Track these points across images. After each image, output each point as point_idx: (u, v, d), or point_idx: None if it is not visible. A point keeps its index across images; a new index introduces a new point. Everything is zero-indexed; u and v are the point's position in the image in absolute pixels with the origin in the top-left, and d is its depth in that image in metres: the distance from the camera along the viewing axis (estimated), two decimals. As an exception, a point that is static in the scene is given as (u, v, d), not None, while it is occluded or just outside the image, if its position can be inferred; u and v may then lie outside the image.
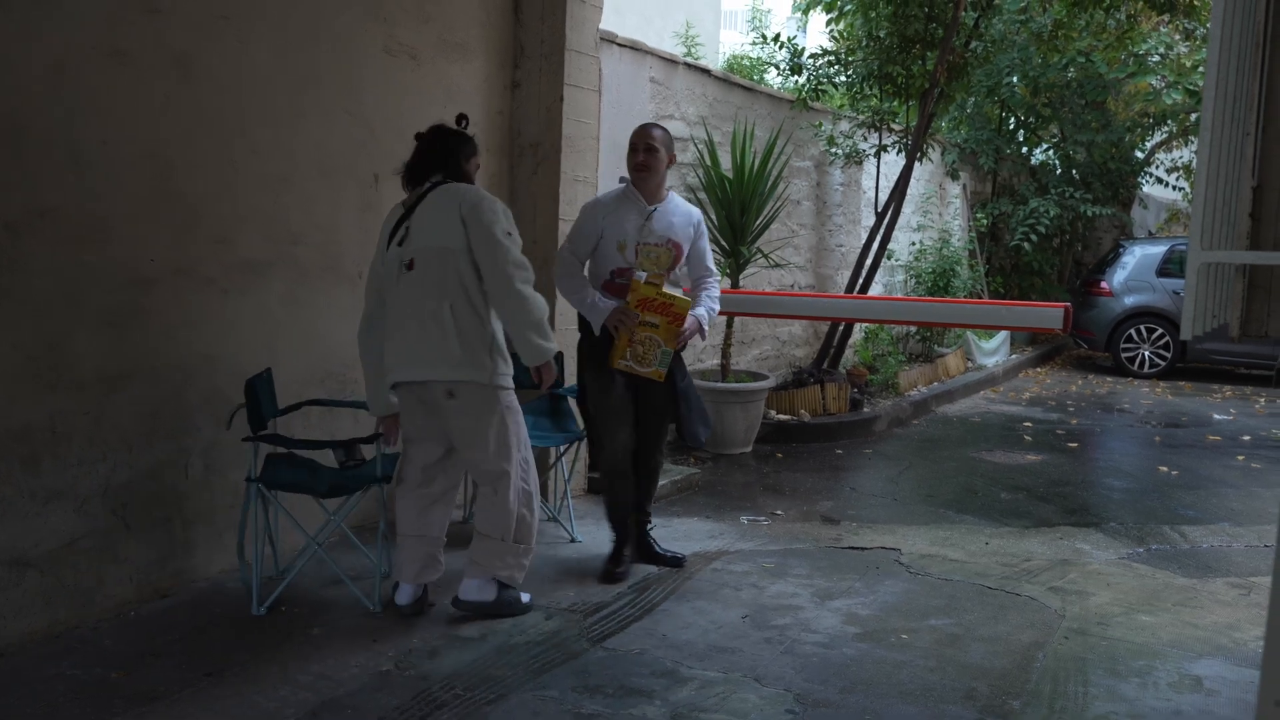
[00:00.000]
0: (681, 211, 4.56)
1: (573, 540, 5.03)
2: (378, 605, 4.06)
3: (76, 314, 3.77)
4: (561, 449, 5.22)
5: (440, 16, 5.19)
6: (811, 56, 9.48)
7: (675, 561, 4.70)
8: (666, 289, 4.39)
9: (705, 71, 8.22)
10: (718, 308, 4.70)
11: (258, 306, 4.43)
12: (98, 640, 3.71)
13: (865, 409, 8.46)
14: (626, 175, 4.54)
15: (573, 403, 5.32)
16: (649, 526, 4.80)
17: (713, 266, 4.70)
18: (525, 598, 4.13)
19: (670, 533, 5.17)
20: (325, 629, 3.87)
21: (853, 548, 5.11)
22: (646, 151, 4.42)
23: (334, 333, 4.78)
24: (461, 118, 4.16)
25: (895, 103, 9.43)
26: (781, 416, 7.92)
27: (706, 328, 4.62)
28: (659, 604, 4.25)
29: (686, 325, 4.41)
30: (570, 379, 5.55)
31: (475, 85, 5.45)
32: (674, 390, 4.53)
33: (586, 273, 4.53)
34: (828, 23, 9.77)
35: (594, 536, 5.05)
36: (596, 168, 5.90)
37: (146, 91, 3.93)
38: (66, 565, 3.79)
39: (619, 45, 6.92)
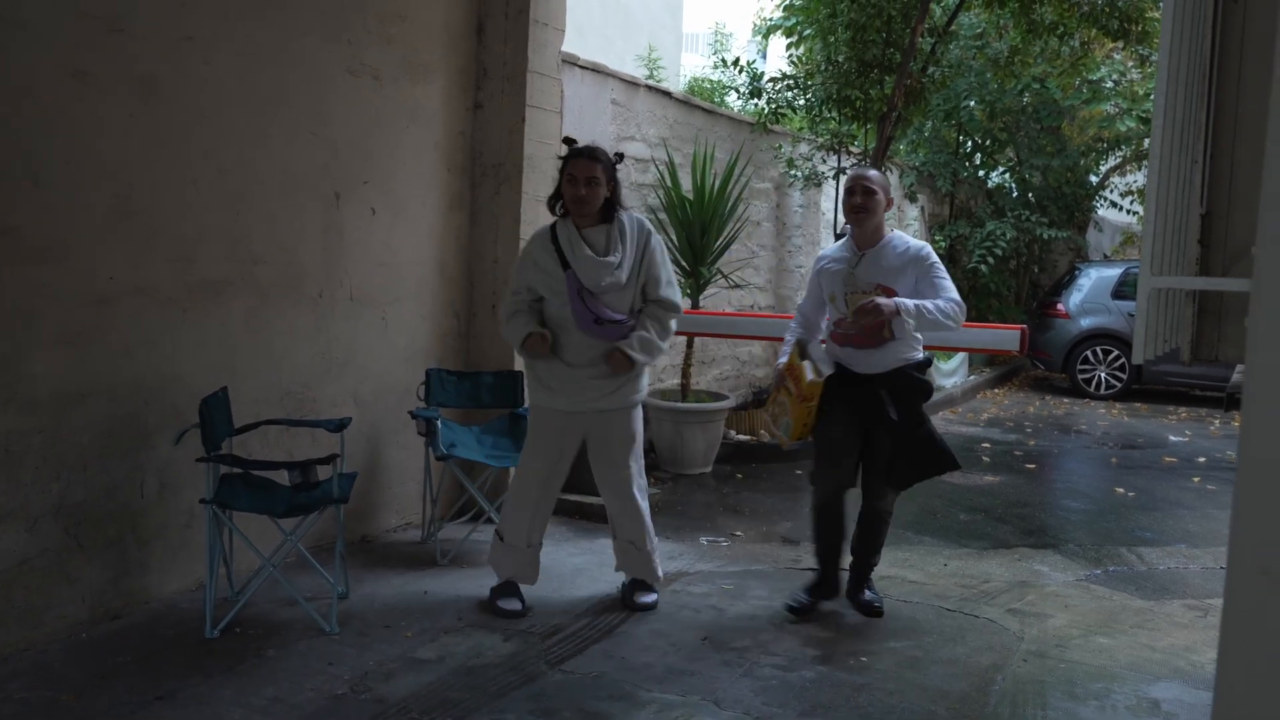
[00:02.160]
0: (896, 252, 4.24)
1: (533, 562, 5.00)
2: (334, 627, 4.02)
3: (32, 333, 3.71)
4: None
5: (403, 38, 5.19)
6: (771, 80, 9.57)
7: (871, 610, 4.46)
8: (809, 360, 4.25)
9: (666, 94, 8.28)
10: (943, 317, 4.17)
11: (218, 326, 4.39)
12: (48, 662, 3.64)
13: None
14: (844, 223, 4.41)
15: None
16: (868, 590, 4.53)
17: (954, 296, 4.19)
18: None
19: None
20: (280, 651, 3.82)
21: (813, 569, 5.12)
22: (864, 193, 4.21)
23: (294, 352, 4.74)
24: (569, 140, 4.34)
25: (854, 126, 9.53)
26: (741, 437, 7.94)
27: (892, 310, 4.10)
28: (618, 626, 4.23)
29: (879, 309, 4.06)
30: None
31: (438, 106, 5.45)
32: (900, 435, 4.23)
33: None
34: (787, 47, 9.87)
35: (552, 557, 5.03)
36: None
37: (109, 111, 3.89)
38: (17, 585, 3.72)
39: (581, 67, 6.94)
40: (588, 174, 4.12)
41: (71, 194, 3.79)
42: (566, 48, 6.10)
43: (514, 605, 4.33)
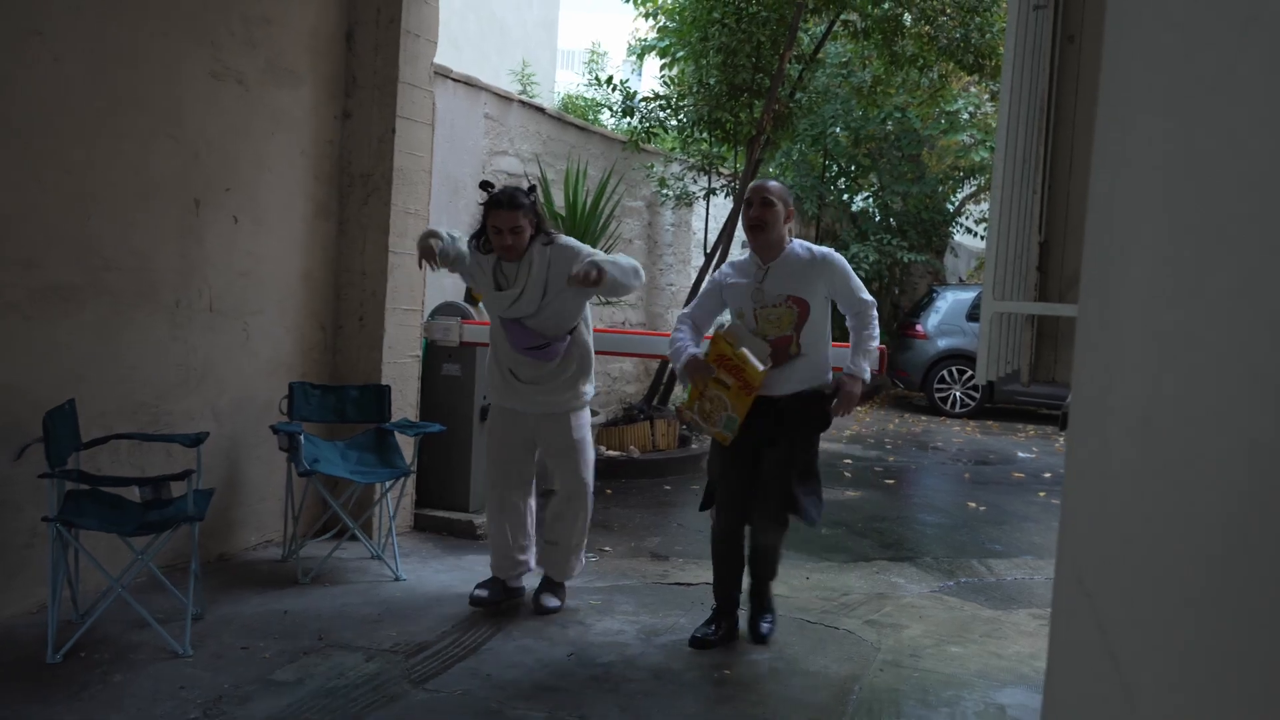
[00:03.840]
0: (801, 261, 4.13)
1: (397, 579, 4.93)
2: (187, 649, 3.87)
3: None
4: (387, 485, 5.12)
5: (268, 42, 5.07)
6: (644, 100, 9.70)
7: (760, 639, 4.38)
8: (744, 349, 4.04)
9: (540, 110, 8.29)
10: (874, 346, 4.18)
11: (65, 334, 4.19)
12: None
13: (693, 445, 8.61)
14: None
15: (403, 439, 5.24)
16: (764, 620, 4.39)
17: (865, 296, 4.17)
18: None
19: (498, 570, 5.12)
20: (128, 676, 3.66)
21: (679, 584, 5.19)
22: (762, 205, 4.09)
23: (147, 364, 4.57)
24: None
25: (724, 148, 9.72)
26: (612, 452, 7.98)
27: (867, 379, 4.13)
28: (484, 643, 4.20)
29: (840, 393, 4.07)
30: (400, 414, 5.47)
31: (305, 113, 5.34)
32: (788, 464, 4.13)
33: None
34: (661, 68, 10.02)
35: (418, 575, 4.96)
36: (428, 201, 5.86)
37: None
38: None
39: (454, 80, 6.90)
40: (511, 224, 4.23)
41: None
42: (440, 60, 6.06)
43: (481, 592, 4.53)
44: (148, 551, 3.91)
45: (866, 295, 4.17)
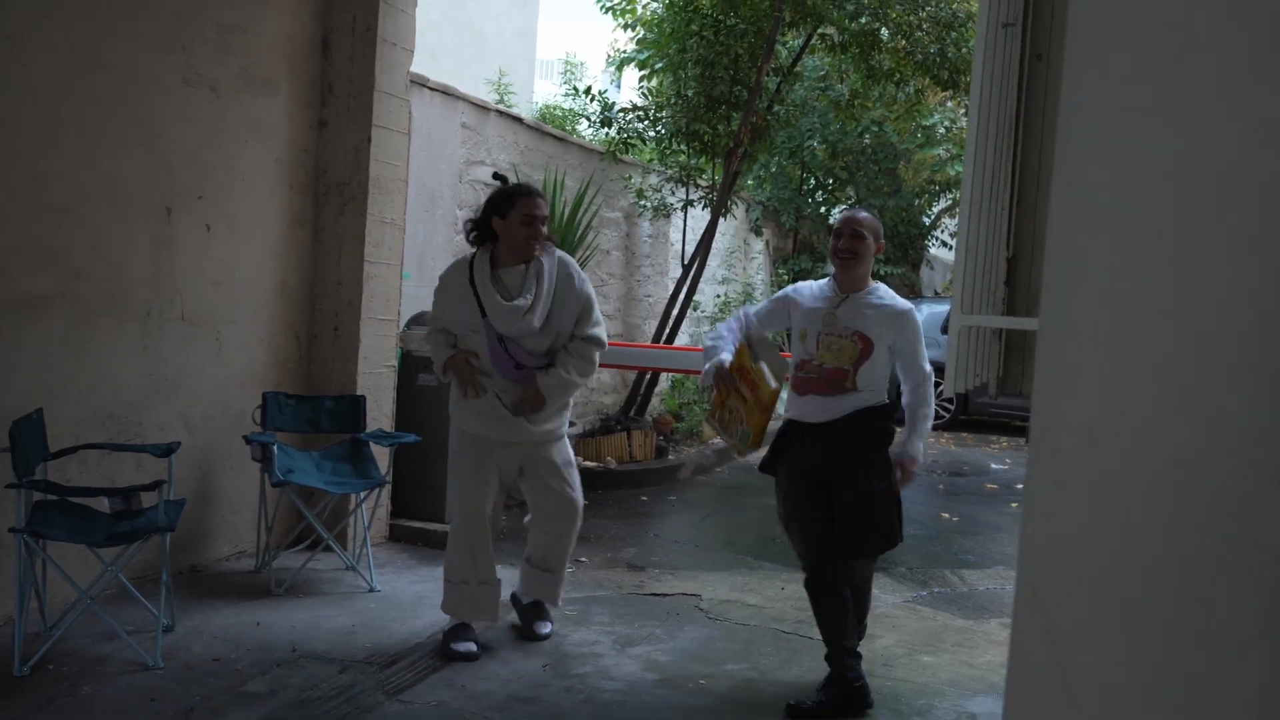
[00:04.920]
0: (880, 303, 3.95)
1: (371, 590, 4.90)
2: (158, 661, 3.84)
3: None
4: (362, 495, 5.10)
5: (242, 49, 5.06)
6: (622, 111, 9.73)
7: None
8: (762, 364, 3.88)
9: (518, 119, 8.30)
10: (929, 426, 4.01)
11: (33, 343, 4.16)
12: None
13: (670, 456, 8.62)
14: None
15: (378, 449, 5.22)
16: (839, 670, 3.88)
17: (926, 367, 3.97)
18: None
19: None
20: (98, 688, 3.63)
21: (655, 594, 5.19)
22: (852, 237, 3.92)
23: (118, 373, 4.54)
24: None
25: (702, 159, 9.76)
26: (589, 463, 7.98)
27: (918, 462, 3.91)
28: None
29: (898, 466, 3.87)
30: (374, 424, 5.45)
31: (280, 121, 5.33)
32: (864, 494, 3.86)
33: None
34: (640, 79, 10.05)
35: (393, 585, 4.94)
36: (405, 210, 5.86)
37: None
38: None
39: (430, 89, 6.90)
40: (544, 212, 4.02)
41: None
42: (417, 69, 6.06)
43: (468, 647, 4.12)
44: (117, 563, 3.89)
45: (928, 366, 3.98)
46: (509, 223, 4.02)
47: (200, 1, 4.81)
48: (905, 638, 4.73)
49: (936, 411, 12.51)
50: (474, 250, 4.19)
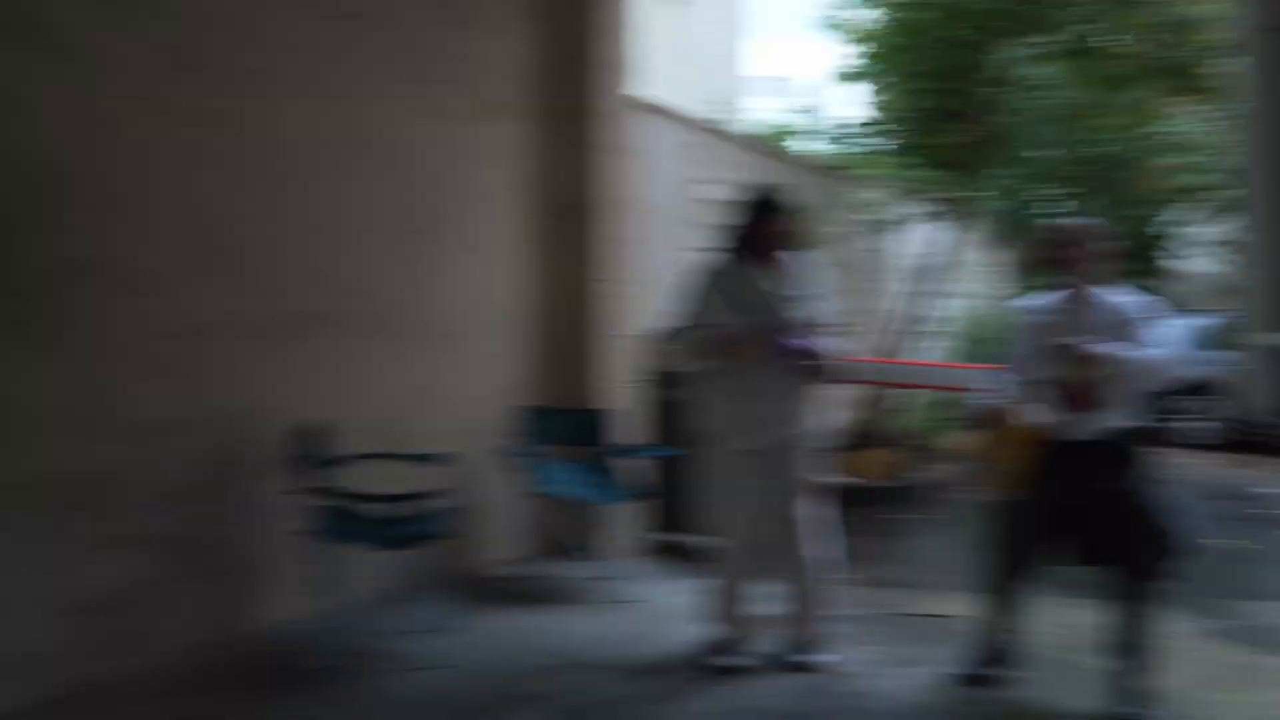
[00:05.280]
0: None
1: (632, 600, 4.94)
2: (446, 661, 4.01)
3: (130, 364, 3.82)
4: (618, 507, 5.21)
5: (475, 78, 5.30)
6: (849, 126, 9.57)
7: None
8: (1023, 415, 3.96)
9: (734, 137, 8.28)
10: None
11: (308, 358, 4.47)
12: (167, 688, 3.69)
13: (921, 474, 8.35)
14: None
15: (635, 463, 5.22)
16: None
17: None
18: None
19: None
20: (391, 683, 3.80)
21: (927, 615, 4.96)
22: (1073, 244, 3.90)
23: (384, 387, 4.80)
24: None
25: (935, 172, 9.48)
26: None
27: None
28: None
29: None
30: (628, 438, 5.44)
31: (513, 145, 5.54)
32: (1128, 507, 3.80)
33: None
34: (875, 93, 9.86)
35: (653, 596, 4.98)
36: (634, 228, 5.97)
37: (190, 145, 4.02)
38: (121, 612, 3.79)
39: (651, 110, 6.94)
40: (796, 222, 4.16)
41: (157, 225, 3.92)
42: (635, 91, 6.13)
43: (736, 660, 4.10)
44: (398, 566, 4.03)
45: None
46: (772, 236, 4.09)
47: (438, 36, 5.07)
48: (1196, 672, 4.34)
49: (1203, 432, 11.50)
50: (728, 257, 4.16)
